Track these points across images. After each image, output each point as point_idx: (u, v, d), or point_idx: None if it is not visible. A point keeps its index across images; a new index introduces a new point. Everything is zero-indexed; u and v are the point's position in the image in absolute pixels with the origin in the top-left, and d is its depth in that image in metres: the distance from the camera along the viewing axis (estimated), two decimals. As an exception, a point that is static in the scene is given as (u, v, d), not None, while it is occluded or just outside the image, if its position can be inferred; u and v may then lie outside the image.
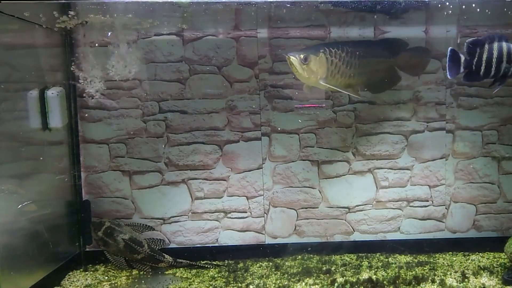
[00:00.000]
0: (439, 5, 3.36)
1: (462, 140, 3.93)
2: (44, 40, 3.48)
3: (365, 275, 3.49)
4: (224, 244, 3.94)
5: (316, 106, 3.86)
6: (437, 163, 3.93)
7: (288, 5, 3.23)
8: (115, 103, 3.79)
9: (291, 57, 3.04)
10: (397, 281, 3.35)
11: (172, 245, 3.91)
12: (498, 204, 3.98)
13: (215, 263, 3.79)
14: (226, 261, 3.85)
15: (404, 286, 3.31)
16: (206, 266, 3.74)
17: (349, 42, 3.43)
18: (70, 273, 3.66)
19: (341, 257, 3.88)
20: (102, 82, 3.63)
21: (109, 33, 3.58)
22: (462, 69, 3.11)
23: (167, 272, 3.68)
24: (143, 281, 3.52)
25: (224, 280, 3.50)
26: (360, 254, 3.90)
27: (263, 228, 3.95)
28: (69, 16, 3.18)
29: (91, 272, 3.68)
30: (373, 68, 3.42)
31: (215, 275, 3.59)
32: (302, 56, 3.04)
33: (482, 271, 3.52)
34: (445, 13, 3.53)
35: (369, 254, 3.90)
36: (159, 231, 3.90)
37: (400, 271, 3.56)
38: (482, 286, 3.29)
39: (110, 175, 3.85)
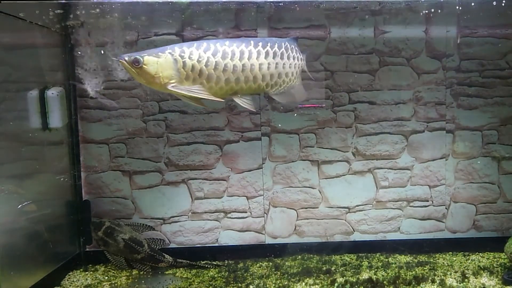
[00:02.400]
0: (439, 5, 3.35)
1: (462, 140, 3.93)
2: (44, 40, 3.48)
3: (365, 275, 3.49)
4: (224, 244, 3.94)
5: (316, 106, 3.86)
6: (437, 163, 3.93)
7: (289, 5, 3.22)
8: (115, 103, 3.79)
9: (120, 59, 2.63)
10: (397, 281, 3.35)
11: (172, 245, 3.91)
12: (498, 204, 3.98)
13: (215, 263, 3.79)
14: (226, 261, 3.85)
15: (404, 286, 3.31)
16: (206, 266, 3.74)
17: (232, 40, 2.77)
18: (70, 273, 3.66)
19: (341, 257, 3.88)
20: (102, 82, 3.63)
21: (109, 33, 3.58)
22: None
23: (167, 272, 3.68)
24: (143, 281, 3.52)
25: (224, 280, 3.50)
26: (360, 254, 3.90)
27: (263, 228, 3.95)
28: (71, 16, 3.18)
29: (91, 272, 3.69)
30: (276, 72, 2.80)
31: (215, 275, 3.59)
32: (132, 58, 2.58)
33: (482, 271, 3.52)
34: (445, 13, 3.53)
35: (369, 254, 3.90)
36: (159, 231, 3.90)
37: (400, 271, 3.56)
38: (482, 286, 3.29)
39: (110, 175, 3.85)
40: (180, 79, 2.63)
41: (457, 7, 3.44)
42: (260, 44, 2.72)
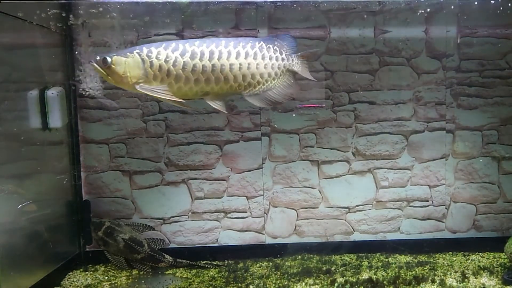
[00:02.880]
0: (439, 5, 3.35)
1: (462, 140, 3.93)
2: (44, 40, 3.48)
3: (365, 275, 3.49)
4: (224, 244, 3.94)
5: (316, 106, 3.86)
6: (437, 163, 3.93)
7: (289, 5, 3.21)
8: (115, 103, 3.79)
9: (90, 62, 2.66)
10: (397, 281, 3.35)
11: (172, 245, 3.91)
12: (498, 204, 3.98)
13: (215, 263, 3.79)
14: (226, 261, 3.85)
15: (404, 286, 3.31)
16: (206, 266, 3.74)
17: (203, 40, 2.73)
18: (70, 273, 3.66)
19: (341, 257, 3.88)
20: (102, 82, 3.64)
21: (109, 33, 3.58)
22: None
23: (167, 272, 3.68)
24: (143, 281, 3.52)
25: (224, 280, 3.50)
26: (360, 254, 3.90)
27: (263, 228, 3.95)
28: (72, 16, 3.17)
29: (91, 272, 3.69)
30: (249, 72, 2.70)
31: (215, 275, 3.59)
32: (101, 58, 2.59)
33: (482, 271, 3.52)
34: (445, 13, 3.53)
35: (369, 254, 3.90)
36: (159, 231, 3.90)
37: (400, 271, 3.56)
38: (482, 286, 3.29)
39: (110, 175, 3.85)
40: (148, 79, 2.62)
41: (452, 7, 3.44)
42: (232, 44, 2.67)
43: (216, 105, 2.73)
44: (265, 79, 2.74)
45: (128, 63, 2.60)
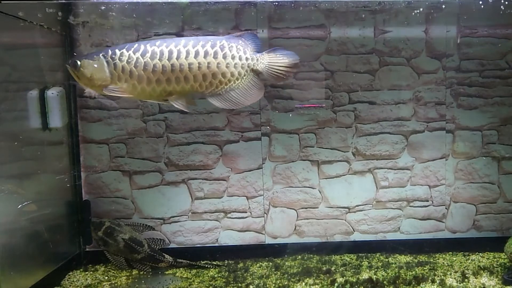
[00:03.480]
0: (439, 5, 3.35)
1: (462, 140, 3.93)
2: (44, 40, 3.48)
3: (365, 275, 3.49)
4: (224, 244, 3.94)
5: (316, 106, 3.86)
6: (437, 163, 3.93)
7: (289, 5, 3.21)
8: (115, 103, 3.79)
9: (66, 64, 2.70)
10: (397, 281, 3.35)
11: (172, 245, 3.91)
12: (498, 204, 3.99)
13: (215, 263, 3.79)
14: (226, 261, 3.85)
15: (404, 286, 3.31)
16: (206, 266, 3.74)
17: (164, 40, 2.70)
18: (70, 273, 3.66)
19: (341, 257, 3.88)
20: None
21: (109, 33, 3.58)
22: None
23: (167, 272, 3.68)
24: (143, 281, 3.52)
25: (224, 280, 3.50)
26: (360, 254, 3.90)
27: (263, 228, 3.95)
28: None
29: (91, 272, 3.69)
30: (209, 72, 2.65)
31: (215, 275, 3.59)
32: (73, 61, 2.65)
33: (482, 271, 3.52)
34: (445, 13, 3.53)
35: (369, 254, 3.90)
36: (159, 231, 3.90)
37: (400, 271, 3.56)
38: (482, 286, 3.29)
39: (110, 175, 3.85)
40: (114, 81, 2.63)
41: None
42: (191, 43, 2.63)
43: (179, 105, 2.72)
44: (228, 78, 2.68)
45: (94, 66, 2.63)
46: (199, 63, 2.62)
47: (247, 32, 2.77)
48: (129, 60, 2.61)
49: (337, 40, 3.82)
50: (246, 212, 3.93)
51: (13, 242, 3.03)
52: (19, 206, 3.13)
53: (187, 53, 2.62)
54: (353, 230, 3.98)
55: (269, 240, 3.96)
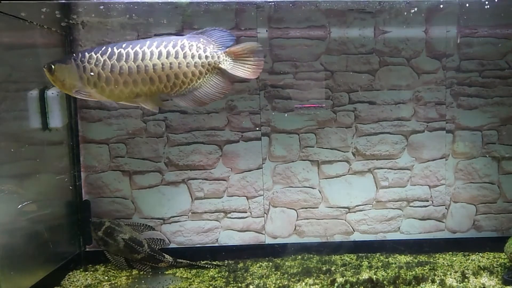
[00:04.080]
0: (439, 5, 3.35)
1: (462, 140, 3.93)
2: (44, 40, 3.48)
3: (365, 275, 3.49)
4: (224, 244, 3.94)
5: (316, 106, 3.86)
6: (437, 163, 3.93)
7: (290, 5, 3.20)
8: (115, 103, 3.79)
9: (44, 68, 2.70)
10: (397, 281, 3.35)
11: (172, 245, 3.91)
12: (498, 204, 3.99)
13: (215, 263, 3.79)
14: (226, 261, 3.85)
15: (404, 286, 3.31)
16: (206, 266, 3.74)
17: (130, 41, 2.70)
18: (70, 273, 3.66)
19: (341, 257, 3.88)
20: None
21: (109, 33, 3.58)
22: None
23: (167, 272, 3.68)
24: (143, 281, 3.52)
25: (224, 280, 3.50)
26: (360, 254, 3.90)
27: (263, 228, 3.95)
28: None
29: (91, 272, 3.69)
30: (172, 72, 2.64)
31: (215, 275, 3.59)
32: (48, 65, 2.66)
33: (482, 271, 3.52)
34: (445, 13, 3.53)
35: (369, 254, 3.91)
36: (159, 231, 3.90)
37: (400, 271, 3.56)
38: (482, 286, 3.29)
39: (110, 175, 3.85)
40: (84, 84, 2.65)
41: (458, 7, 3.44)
42: (155, 44, 2.63)
43: (148, 106, 2.72)
44: (190, 78, 2.66)
45: (66, 69, 2.64)
46: (162, 64, 2.61)
47: (213, 28, 2.71)
48: (97, 63, 2.61)
49: (337, 40, 3.82)
50: (246, 212, 3.93)
51: (13, 242, 3.03)
52: (19, 206, 3.13)
53: (151, 54, 2.61)
54: (353, 230, 3.98)
55: (269, 240, 3.96)
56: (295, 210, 3.95)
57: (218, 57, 2.66)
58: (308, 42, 3.80)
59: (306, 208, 3.95)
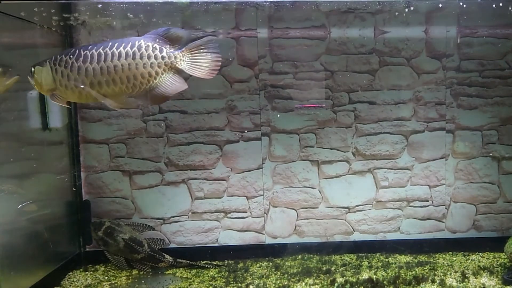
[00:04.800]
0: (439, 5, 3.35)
1: (462, 140, 3.93)
2: (44, 39, 3.48)
3: (365, 275, 3.49)
4: (224, 244, 3.94)
5: (316, 106, 3.86)
6: (437, 163, 3.93)
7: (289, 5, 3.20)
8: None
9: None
10: (397, 281, 3.35)
11: (172, 245, 3.91)
12: (498, 204, 3.98)
13: (215, 263, 3.79)
14: (226, 261, 3.85)
15: (404, 286, 3.31)
16: (206, 266, 3.74)
17: (95, 43, 2.73)
18: (70, 273, 3.66)
19: (341, 257, 3.88)
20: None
21: (109, 33, 3.58)
22: None
23: (167, 272, 3.68)
24: (143, 281, 3.52)
25: (224, 280, 3.50)
26: (360, 254, 3.90)
27: (263, 228, 3.95)
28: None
29: (91, 272, 3.69)
30: (131, 73, 2.63)
31: (215, 275, 3.59)
32: (30, 68, 2.73)
33: (482, 271, 3.52)
34: (445, 13, 3.53)
35: (369, 254, 3.90)
36: (159, 231, 3.90)
37: (400, 271, 3.56)
38: (482, 286, 3.29)
39: (110, 175, 3.85)
40: (57, 86, 2.69)
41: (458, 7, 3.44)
42: (116, 45, 2.64)
43: (116, 106, 2.76)
44: (147, 79, 2.65)
45: (43, 71, 2.69)
46: (122, 65, 2.62)
47: (170, 28, 2.69)
48: (66, 65, 2.65)
49: (337, 40, 3.82)
50: (246, 212, 3.93)
51: (13, 242, 3.03)
52: (19, 206, 3.13)
53: (112, 55, 2.63)
54: (353, 230, 3.98)
55: (269, 240, 3.96)
56: (295, 210, 3.95)
57: (175, 57, 2.65)
58: (308, 42, 3.80)
59: (306, 208, 3.95)
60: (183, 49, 2.65)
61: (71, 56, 2.64)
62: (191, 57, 2.66)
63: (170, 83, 2.67)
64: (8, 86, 2.88)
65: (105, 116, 3.80)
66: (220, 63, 2.67)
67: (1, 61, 3.00)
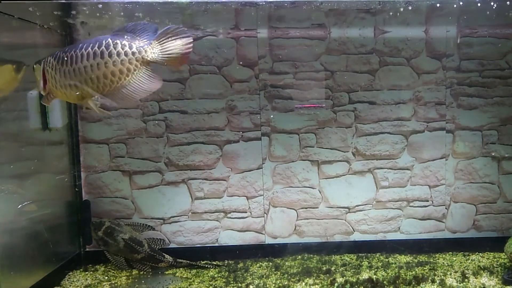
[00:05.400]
0: (439, 5, 3.35)
1: (462, 140, 3.93)
2: (44, 39, 3.48)
3: (365, 275, 3.49)
4: (224, 244, 3.94)
5: (316, 106, 3.86)
6: (437, 163, 3.93)
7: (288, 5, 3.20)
8: (115, 103, 3.78)
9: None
10: (397, 281, 3.35)
11: (172, 245, 3.91)
12: (498, 204, 3.99)
13: (215, 263, 3.79)
14: (226, 261, 3.85)
15: (404, 286, 3.31)
16: (206, 266, 3.74)
17: (75, 45, 2.73)
18: (70, 273, 3.66)
19: (341, 257, 3.88)
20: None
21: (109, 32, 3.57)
22: None
23: (167, 272, 3.68)
24: (143, 281, 3.52)
25: (224, 280, 3.50)
26: (360, 254, 3.90)
27: (263, 228, 3.95)
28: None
29: (91, 272, 3.69)
30: (100, 73, 2.61)
31: (215, 275, 3.59)
32: (34, 66, 2.78)
33: (482, 271, 3.52)
34: (445, 13, 3.53)
35: (369, 254, 3.90)
36: (159, 231, 3.90)
37: (400, 271, 3.56)
38: (482, 286, 3.29)
39: (110, 175, 3.85)
40: (48, 85, 2.75)
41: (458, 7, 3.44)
42: (85, 46, 2.63)
43: (94, 107, 2.76)
44: (118, 76, 2.61)
45: (38, 70, 2.75)
46: (91, 65, 2.61)
47: (137, 23, 2.66)
48: (51, 67, 2.69)
49: (337, 40, 3.82)
50: (246, 212, 3.93)
51: (13, 242, 3.03)
52: (19, 206, 3.13)
53: (82, 56, 2.62)
54: (353, 230, 3.98)
55: (269, 240, 3.96)
56: (295, 210, 3.95)
57: (145, 51, 2.59)
58: (308, 42, 3.80)
59: (306, 208, 3.95)
60: (152, 41, 2.60)
61: (55, 58, 2.67)
62: (160, 48, 2.61)
63: (144, 80, 2.63)
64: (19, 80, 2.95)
65: (105, 116, 3.80)
66: (191, 46, 2.60)
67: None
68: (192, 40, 2.60)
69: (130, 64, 2.60)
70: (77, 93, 2.66)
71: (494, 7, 3.20)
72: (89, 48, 2.60)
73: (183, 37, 2.60)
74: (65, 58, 2.62)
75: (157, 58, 2.58)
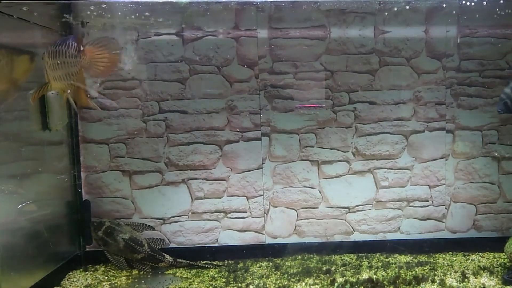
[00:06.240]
0: (439, 5, 3.35)
1: (462, 140, 3.93)
2: (44, 39, 3.48)
3: (365, 275, 3.49)
4: (224, 244, 3.94)
5: (316, 106, 3.86)
6: (437, 163, 3.93)
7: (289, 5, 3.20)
8: (115, 103, 3.79)
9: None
10: (397, 281, 3.35)
11: (172, 245, 3.91)
12: (498, 204, 3.99)
13: (215, 263, 3.79)
14: (226, 261, 3.85)
15: (404, 286, 3.31)
16: (206, 266, 3.74)
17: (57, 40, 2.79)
18: (70, 273, 3.66)
19: (341, 257, 3.88)
20: (102, 82, 3.64)
21: (109, 33, 3.58)
22: None
23: (167, 272, 3.68)
24: (143, 281, 3.52)
25: (224, 280, 3.50)
26: (360, 254, 3.90)
27: (263, 228, 3.95)
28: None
29: (91, 272, 3.69)
30: (56, 74, 2.73)
31: (215, 275, 3.59)
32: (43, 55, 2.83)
33: (482, 271, 3.52)
34: (445, 13, 3.53)
35: (369, 254, 3.91)
36: (159, 231, 3.90)
37: (400, 271, 3.56)
38: (482, 286, 3.29)
39: (110, 175, 3.85)
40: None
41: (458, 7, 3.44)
42: (59, 43, 2.70)
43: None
44: (72, 78, 2.71)
45: (45, 60, 2.79)
46: (52, 65, 2.72)
47: (68, 36, 2.85)
48: (44, 59, 2.76)
49: (337, 40, 3.82)
50: (246, 212, 3.93)
51: (13, 242, 3.03)
52: (19, 206, 3.13)
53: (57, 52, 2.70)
54: (353, 230, 3.98)
55: (269, 240, 3.96)
56: (295, 210, 3.95)
57: (76, 58, 2.67)
58: (308, 42, 3.80)
59: (306, 208, 3.95)
60: (83, 49, 2.68)
61: (47, 53, 2.73)
62: (90, 56, 2.69)
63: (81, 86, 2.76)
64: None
65: (105, 116, 3.80)
66: (119, 55, 2.78)
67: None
68: (118, 52, 2.78)
69: (71, 69, 2.70)
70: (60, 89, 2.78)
71: (494, 7, 3.20)
72: (50, 49, 2.70)
73: (112, 49, 2.72)
74: (51, 52, 2.69)
75: (87, 67, 2.71)
